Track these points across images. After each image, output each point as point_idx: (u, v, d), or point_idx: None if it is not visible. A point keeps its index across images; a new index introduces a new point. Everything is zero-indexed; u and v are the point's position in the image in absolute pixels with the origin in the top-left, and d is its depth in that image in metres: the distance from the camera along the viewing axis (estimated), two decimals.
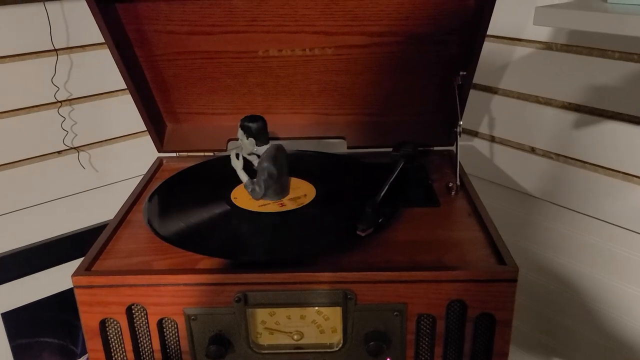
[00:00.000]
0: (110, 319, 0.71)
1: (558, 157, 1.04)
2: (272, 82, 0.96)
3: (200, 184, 0.93)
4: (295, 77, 0.95)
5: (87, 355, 0.73)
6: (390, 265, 0.70)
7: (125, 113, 1.16)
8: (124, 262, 0.73)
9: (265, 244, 0.76)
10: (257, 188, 0.82)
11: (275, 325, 0.71)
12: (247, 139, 0.82)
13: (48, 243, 1.15)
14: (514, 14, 1.02)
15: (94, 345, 0.72)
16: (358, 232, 0.73)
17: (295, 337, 0.72)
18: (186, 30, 0.87)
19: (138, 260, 0.74)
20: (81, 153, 1.15)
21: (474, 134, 1.16)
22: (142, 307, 0.70)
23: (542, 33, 1.00)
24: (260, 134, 0.82)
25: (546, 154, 1.06)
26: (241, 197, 0.84)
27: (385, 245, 0.74)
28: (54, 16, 1.04)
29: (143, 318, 0.71)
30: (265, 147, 0.82)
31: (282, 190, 0.84)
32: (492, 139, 1.13)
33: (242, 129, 0.82)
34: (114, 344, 0.72)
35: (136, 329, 0.72)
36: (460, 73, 0.89)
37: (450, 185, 0.89)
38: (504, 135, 1.11)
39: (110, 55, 0.88)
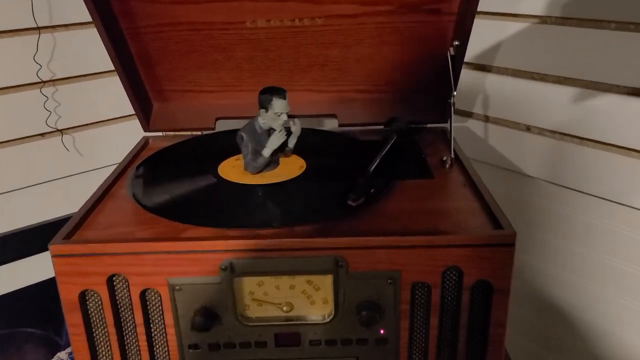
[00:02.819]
0: (91, 290, 0.68)
1: (554, 134, 1.02)
2: (260, 56, 0.93)
3: (186, 159, 0.90)
4: (284, 51, 0.92)
5: (70, 348, 0.70)
6: (382, 231, 0.67)
7: (112, 95, 1.13)
8: (105, 232, 0.70)
9: (252, 213, 0.73)
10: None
11: (263, 296, 0.68)
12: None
13: (29, 229, 1.12)
14: None
15: (73, 319, 0.68)
16: (349, 202, 0.71)
17: (285, 308, 0.69)
18: (171, 0, 0.85)
19: (120, 230, 0.70)
20: (65, 136, 1.12)
21: (468, 114, 1.14)
22: (124, 277, 0.67)
23: (537, 7, 0.98)
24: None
25: (541, 132, 1.04)
26: (228, 170, 0.81)
27: (378, 215, 0.71)
28: None
29: (125, 289, 0.68)
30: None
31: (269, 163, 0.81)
32: (487, 119, 1.11)
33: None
34: (94, 317, 0.69)
35: (118, 301, 0.68)
36: (454, 43, 0.86)
37: (445, 159, 0.87)
38: (499, 114, 1.09)
39: (95, 35, 0.85)
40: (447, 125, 1.01)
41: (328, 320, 0.68)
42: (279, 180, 0.78)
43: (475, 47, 1.07)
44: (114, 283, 0.68)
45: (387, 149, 0.84)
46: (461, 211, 0.72)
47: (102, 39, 0.86)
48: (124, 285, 0.68)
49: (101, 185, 0.81)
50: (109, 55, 0.89)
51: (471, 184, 0.79)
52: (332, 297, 0.67)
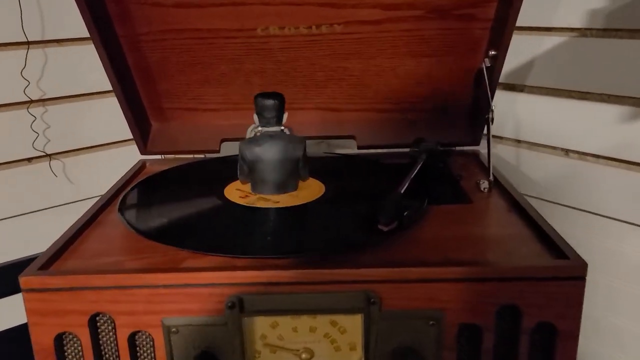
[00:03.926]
0: (69, 333, 0.56)
1: (598, 159, 0.91)
2: (272, 68, 0.84)
3: (187, 181, 0.80)
4: (298, 63, 0.83)
5: None
6: (421, 262, 0.56)
7: (106, 118, 1.04)
8: (89, 263, 0.59)
9: (265, 239, 0.62)
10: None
11: (278, 340, 0.56)
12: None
13: (9, 266, 1.00)
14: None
15: None
16: (379, 226, 0.60)
17: (304, 356, 0.57)
18: (173, 2, 0.76)
19: (108, 260, 0.59)
20: (54, 161, 1.02)
21: (498, 139, 1.04)
22: (110, 317, 0.55)
23: (575, 19, 0.89)
24: (262, 112, 0.69)
25: (582, 157, 0.93)
26: (235, 193, 0.71)
27: (412, 243, 0.61)
28: (27, 4, 0.93)
29: (110, 332, 0.56)
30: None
31: (281, 185, 0.70)
32: (519, 143, 1.01)
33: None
34: None
35: (102, 346, 0.57)
36: (490, 53, 0.77)
37: (481, 182, 0.76)
38: (533, 138, 0.99)
39: (90, 53, 0.77)
40: (478, 148, 0.92)
41: None
42: (296, 204, 0.67)
43: (504, 66, 0.97)
44: (98, 324, 0.56)
45: (417, 169, 0.73)
46: (511, 239, 0.61)
47: (95, 47, 0.77)
48: (110, 327, 0.56)
49: (88, 210, 0.70)
50: (104, 67, 0.79)
51: (518, 209, 0.68)
52: (361, 342, 0.56)
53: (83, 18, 0.73)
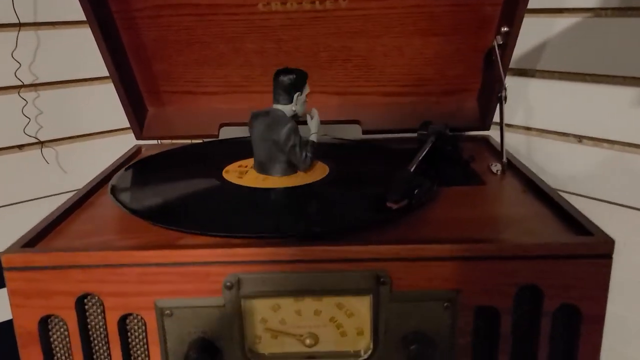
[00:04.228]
0: (54, 316, 0.52)
1: (612, 145, 0.87)
2: (273, 48, 0.80)
3: (185, 162, 0.76)
4: (301, 42, 0.79)
5: None
6: (435, 239, 0.52)
7: (102, 105, 1.00)
8: (78, 242, 0.55)
9: (265, 217, 0.58)
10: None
11: (280, 325, 0.52)
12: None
13: None
14: None
15: (30, 355, 0.52)
16: (388, 204, 0.56)
17: (308, 341, 0.53)
18: None
19: (98, 240, 0.55)
20: (47, 149, 0.98)
21: (507, 126, 0.99)
22: (98, 298, 0.51)
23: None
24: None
25: (597, 144, 0.89)
26: (234, 175, 0.67)
27: (423, 223, 0.57)
28: None
29: (99, 315, 0.52)
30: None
31: (262, 166, 0.67)
32: (529, 130, 0.97)
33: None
34: (58, 352, 0.53)
35: (89, 330, 0.53)
36: (502, 29, 0.74)
37: (493, 165, 0.73)
38: (543, 125, 0.95)
39: (85, 37, 0.73)
40: (488, 133, 0.88)
41: (365, 357, 0.52)
42: (299, 184, 0.64)
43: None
44: (86, 306, 0.52)
45: (426, 150, 0.69)
46: (528, 218, 0.57)
47: (89, 24, 0.73)
48: (99, 310, 0.52)
49: (78, 191, 0.66)
50: (98, 46, 0.76)
51: (534, 190, 0.64)
52: (370, 326, 0.51)
53: None
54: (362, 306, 0.51)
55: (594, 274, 0.50)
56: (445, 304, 0.50)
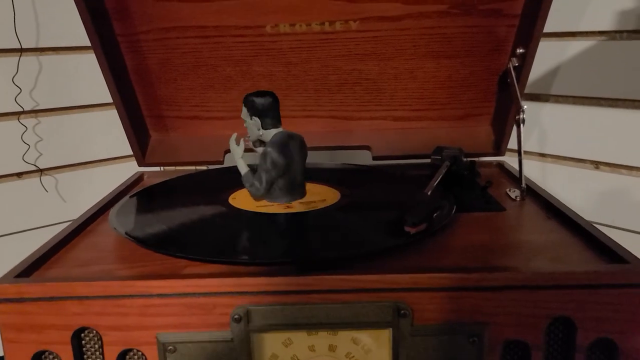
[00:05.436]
0: (49, 353, 0.48)
1: (631, 170, 0.84)
2: (281, 71, 0.78)
3: (190, 190, 0.73)
4: (310, 65, 0.77)
5: None
6: (459, 267, 0.48)
7: (103, 132, 0.97)
8: (76, 271, 0.51)
9: (276, 244, 0.54)
10: (256, 182, 0.61)
11: None
12: (251, 118, 0.63)
13: None
14: (564, 3, 0.86)
15: None
16: (406, 229, 0.53)
17: None
18: None
19: (97, 269, 0.52)
20: (46, 177, 0.95)
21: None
22: (96, 332, 0.48)
23: (602, 22, 0.83)
24: (268, 113, 0.63)
25: (615, 170, 0.86)
26: (242, 201, 0.64)
27: (444, 249, 0.53)
28: (21, 9, 0.88)
29: (97, 350, 0.48)
30: (274, 132, 0.63)
31: (292, 190, 0.63)
32: (543, 157, 0.94)
33: (245, 106, 0.63)
34: None
35: None
36: (518, 51, 0.72)
37: (511, 190, 0.70)
38: (559, 151, 0.92)
39: (88, 64, 0.71)
40: (502, 158, 0.85)
41: None
42: (309, 209, 0.60)
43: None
44: (83, 342, 0.48)
45: (442, 173, 0.66)
46: (555, 246, 0.54)
47: (93, 47, 0.71)
48: (96, 345, 0.48)
49: (78, 218, 0.63)
50: (101, 68, 0.73)
51: (558, 215, 0.61)
52: None
53: (79, 11, 0.68)
54: (380, 340, 0.47)
55: (632, 305, 0.46)
56: (472, 339, 0.47)
